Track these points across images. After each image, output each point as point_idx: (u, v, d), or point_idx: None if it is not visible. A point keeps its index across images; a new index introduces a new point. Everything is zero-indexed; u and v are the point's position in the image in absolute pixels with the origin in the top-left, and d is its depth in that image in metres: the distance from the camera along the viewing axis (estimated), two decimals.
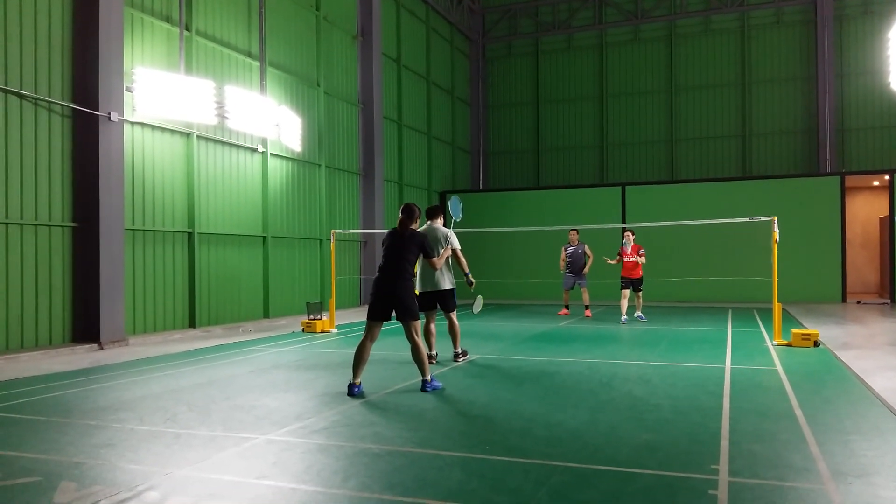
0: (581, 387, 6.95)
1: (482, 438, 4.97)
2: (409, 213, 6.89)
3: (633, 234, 13.88)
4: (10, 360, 8.94)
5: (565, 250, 15.21)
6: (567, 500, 3.69)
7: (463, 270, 8.31)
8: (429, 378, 6.72)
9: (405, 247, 6.72)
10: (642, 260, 13.71)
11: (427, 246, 6.92)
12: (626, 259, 13.63)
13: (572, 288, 15.27)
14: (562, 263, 15.26)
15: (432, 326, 8.43)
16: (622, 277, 13.76)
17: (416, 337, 6.62)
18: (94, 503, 3.68)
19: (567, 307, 15.54)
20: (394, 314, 6.64)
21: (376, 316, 6.65)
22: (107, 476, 4.15)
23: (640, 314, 14.05)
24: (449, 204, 8.37)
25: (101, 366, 8.62)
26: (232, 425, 5.39)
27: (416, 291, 7.86)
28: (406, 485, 3.96)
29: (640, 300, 14.14)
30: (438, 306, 8.34)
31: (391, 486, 3.94)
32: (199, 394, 6.69)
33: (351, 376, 6.65)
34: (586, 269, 15.03)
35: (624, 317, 13.64)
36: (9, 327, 9.51)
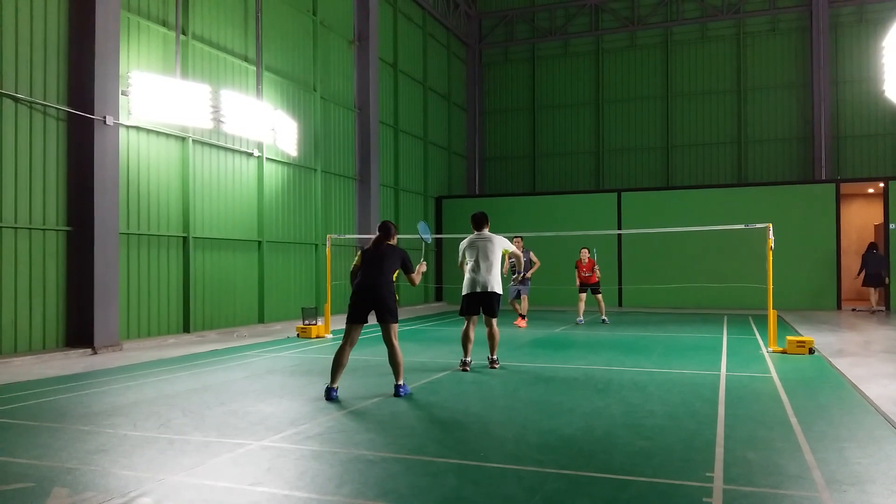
0: (576, 393, 6.95)
1: (476, 445, 4.96)
2: (385, 231, 7.03)
3: (588, 251, 15.21)
4: (4, 364, 8.89)
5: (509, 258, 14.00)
6: None
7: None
8: (402, 382, 6.83)
9: (385, 257, 6.86)
10: (598, 275, 15.26)
11: (408, 260, 7.00)
12: (583, 273, 15.13)
13: (517, 297, 14.26)
14: (505, 269, 13.58)
15: (471, 332, 8.42)
16: (580, 284, 15.20)
17: (394, 340, 6.75)
18: None
19: (524, 317, 14.41)
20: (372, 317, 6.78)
21: (355, 318, 6.74)
22: (100, 482, 4.12)
23: (605, 318, 15.28)
24: (419, 228, 8.59)
25: (95, 370, 8.58)
26: (226, 431, 5.37)
27: (465, 292, 8.38)
28: (400, 491, 3.94)
29: (602, 304, 15.35)
30: (481, 311, 8.41)
31: (385, 492, 3.93)
32: (194, 399, 6.66)
33: (329, 380, 6.71)
34: (529, 274, 14.03)
35: (580, 318, 15.06)
36: (2, 332, 9.46)
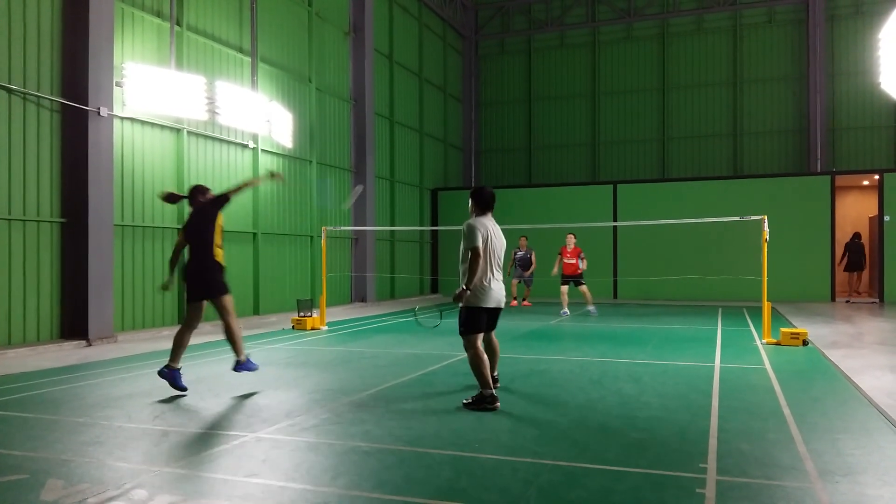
0: (571, 385, 6.96)
1: (472, 437, 4.97)
2: (191, 197, 6.76)
3: (574, 237, 15.00)
4: None
5: (515, 254, 17.75)
6: (556, 499, 3.69)
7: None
8: (243, 359, 6.77)
9: (199, 222, 6.64)
10: (583, 265, 14.83)
11: (219, 199, 6.66)
12: (566, 260, 14.78)
13: (520, 281, 17.99)
14: (510, 267, 17.69)
15: (495, 343, 6.66)
16: (563, 275, 14.90)
17: (227, 316, 6.66)
18: (82, 501, 3.66)
19: (515, 299, 18.03)
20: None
21: (190, 299, 6.75)
22: (94, 474, 4.12)
23: (591, 308, 14.92)
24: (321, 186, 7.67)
25: (90, 363, 8.57)
26: (221, 423, 5.38)
27: (482, 305, 6.05)
28: (395, 483, 3.95)
29: (588, 294, 14.89)
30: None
31: (380, 484, 3.94)
32: (189, 391, 6.66)
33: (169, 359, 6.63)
34: (530, 272, 17.86)
35: (564, 310, 14.78)
36: None
